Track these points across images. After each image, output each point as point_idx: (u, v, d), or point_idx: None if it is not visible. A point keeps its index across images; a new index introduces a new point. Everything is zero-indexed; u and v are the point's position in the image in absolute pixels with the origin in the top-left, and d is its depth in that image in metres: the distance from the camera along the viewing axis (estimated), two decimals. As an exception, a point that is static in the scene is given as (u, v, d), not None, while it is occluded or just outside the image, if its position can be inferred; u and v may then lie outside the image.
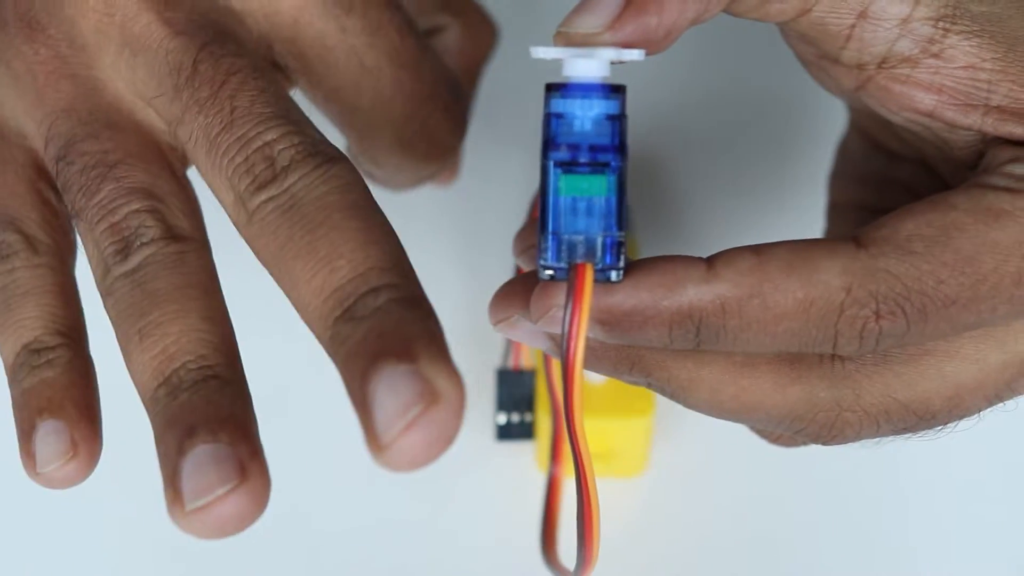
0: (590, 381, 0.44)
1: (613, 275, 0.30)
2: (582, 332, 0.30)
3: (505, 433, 0.45)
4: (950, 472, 0.47)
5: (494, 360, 0.45)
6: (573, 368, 0.30)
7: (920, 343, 0.32)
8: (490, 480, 0.46)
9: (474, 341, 0.46)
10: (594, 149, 0.30)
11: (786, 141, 0.49)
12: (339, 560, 0.45)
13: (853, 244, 0.31)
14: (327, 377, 0.47)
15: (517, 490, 0.46)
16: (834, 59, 0.33)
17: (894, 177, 0.37)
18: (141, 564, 0.45)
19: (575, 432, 0.32)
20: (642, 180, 0.49)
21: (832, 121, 0.41)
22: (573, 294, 0.30)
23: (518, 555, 0.44)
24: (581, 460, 0.32)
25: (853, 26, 0.33)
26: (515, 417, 0.45)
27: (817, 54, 0.34)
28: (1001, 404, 0.34)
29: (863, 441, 0.34)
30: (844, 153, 0.40)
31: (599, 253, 0.30)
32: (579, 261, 0.30)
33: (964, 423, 0.34)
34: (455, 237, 0.48)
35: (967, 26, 0.32)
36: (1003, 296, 0.31)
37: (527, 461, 0.46)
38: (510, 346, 0.44)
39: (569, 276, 0.30)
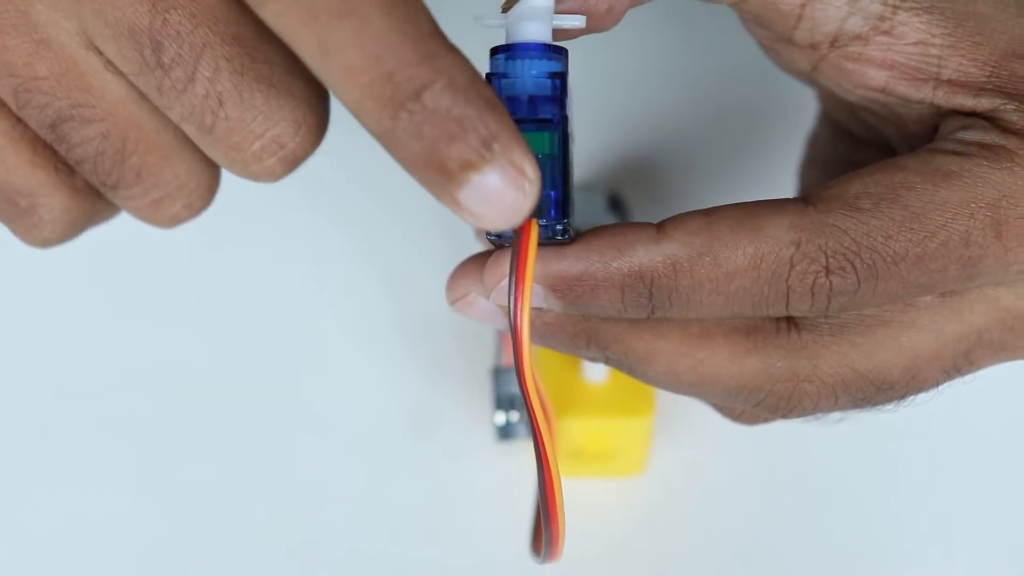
0: (591, 381, 0.45)
1: (559, 228, 0.31)
2: (527, 287, 0.30)
3: (506, 433, 0.46)
4: (951, 473, 0.47)
5: (490, 361, 0.46)
6: (521, 328, 0.30)
7: (874, 304, 0.32)
8: (490, 479, 0.47)
9: (468, 342, 0.47)
10: (534, 104, 0.30)
11: (782, 138, 0.49)
12: (339, 558, 0.46)
13: (802, 202, 0.31)
14: (329, 375, 0.48)
15: (517, 489, 0.46)
16: (788, 40, 0.34)
17: (858, 161, 0.38)
18: (138, 564, 0.46)
19: (529, 400, 0.32)
20: (640, 179, 0.50)
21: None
22: (518, 249, 0.30)
23: (519, 554, 0.44)
24: (539, 432, 0.32)
25: (803, 6, 0.33)
26: (514, 416, 0.46)
27: (772, 37, 0.35)
28: (960, 376, 0.34)
29: (824, 416, 0.34)
30: (813, 140, 0.41)
31: (543, 208, 0.30)
32: None
33: (922, 396, 0.34)
34: (446, 236, 0.49)
35: (916, 3, 0.33)
36: (952, 255, 0.31)
37: (527, 460, 0.47)
38: (501, 343, 0.45)
39: (514, 231, 0.30)
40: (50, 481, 0.47)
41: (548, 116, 0.30)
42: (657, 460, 0.47)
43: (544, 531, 0.34)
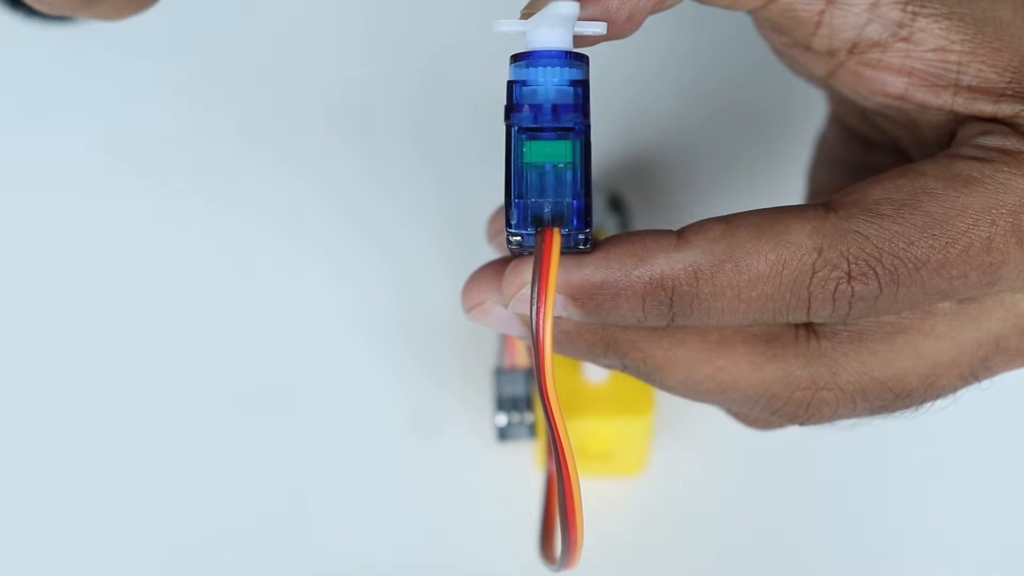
0: (590, 381, 0.45)
1: (581, 237, 0.30)
2: (550, 297, 0.30)
3: (506, 434, 0.46)
4: (953, 477, 0.47)
5: (491, 362, 0.46)
6: (543, 338, 0.30)
7: (894, 311, 0.32)
8: (491, 480, 0.46)
9: (470, 343, 0.47)
10: (557, 112, 0.30)
11: (783, 140, 0.49)
12: (339, 560, 0.46)
13: (823, 208, 0.31)
14: (330, 375, 0.48)
15: (518, 490, 0.46)
16: (805, 46, 0.34)
17: (870, 165, 0.38)
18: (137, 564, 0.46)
19: (550, 409, 0.31)
20: (640, 179, 0.50)
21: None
22: (540, 258, 0.30)
23: (520, 556, 0.44)
24: (560, 442, 0.32)
25: (822, 12, 0.33)
26: (515, 417, 0.45)
27: (788, 43, 0.35)
28: (976, 383, 0.34)
29: (840, 423, 0.34)
30: (823, 143, 0.41)
31: (566, 217, 0.30)
32: (546, 226, 0.30)
33: (940, 403, 0.34)
34: (449, 237, 0.48)
35: (936, 9, 0.33)
36: (974, 262, 0.31)
37: (528, 461, 0.47)
38: (505, 345, 0.45)
39: (536, 240, 0.30)
40: (54, 481, 0.47)
41: (570, 124, 0.30)
42: (657, 460, 0.47)
43: (563, 539, 0.34)
